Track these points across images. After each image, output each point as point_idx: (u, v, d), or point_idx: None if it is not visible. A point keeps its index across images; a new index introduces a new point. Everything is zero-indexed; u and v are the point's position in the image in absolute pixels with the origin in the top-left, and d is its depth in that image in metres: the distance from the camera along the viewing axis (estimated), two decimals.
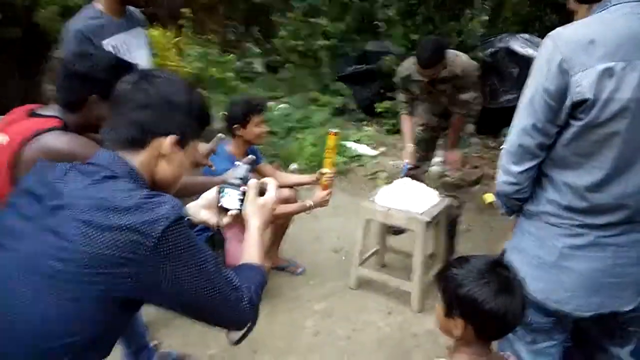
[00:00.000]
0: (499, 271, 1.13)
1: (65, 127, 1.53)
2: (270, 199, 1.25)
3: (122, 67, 1.61)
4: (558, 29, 1.23)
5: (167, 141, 1.05)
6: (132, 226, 0.88)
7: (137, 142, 1.04)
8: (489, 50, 5.35)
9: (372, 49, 6.51)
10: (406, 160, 3.03)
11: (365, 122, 6.16)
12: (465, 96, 3.01)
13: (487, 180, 4.44)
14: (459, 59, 2.95)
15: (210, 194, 1.29)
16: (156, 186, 1.08)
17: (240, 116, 2.62)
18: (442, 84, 2.99)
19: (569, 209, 1.29)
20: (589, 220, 1.28)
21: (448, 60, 2.88)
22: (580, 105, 1.17)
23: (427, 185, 2.98)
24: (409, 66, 3.07)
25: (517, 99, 4.89)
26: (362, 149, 5.10)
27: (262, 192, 1.26)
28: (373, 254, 3.14)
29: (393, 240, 3.32)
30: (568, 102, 1.18)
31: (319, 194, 2.54)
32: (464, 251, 3.35)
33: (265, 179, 1.29)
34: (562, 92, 1.18)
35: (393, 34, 5.50)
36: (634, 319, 1.36)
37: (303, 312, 2.75)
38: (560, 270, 1.32)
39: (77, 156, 1.41)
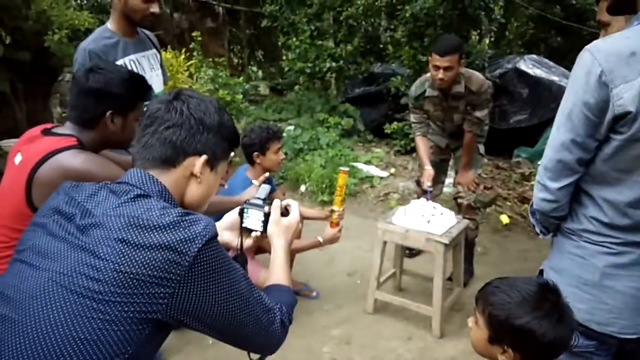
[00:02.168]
0: (550, 297, 1.07)
1: (81, 145, 1.49)
2: (294, 220, 1.26)
3: (136, 81, 1.58)
4: (596, 41, 1.19)
5: (200, 161, 1.03)
6: (168, 244, 0.86)
7: (169, 161, 1.02)
8: (498, 71, 5.35)
9: (379, 70, 6.55)
10: (428, 183, 2.95)
11: (374, 144, 6.15)
12: (479, 114, 2.99)
13: (501, 202, 4.37)
14: (474, 76, 2.97)
15: (232, 216, 1.29)
16: (184, 207, 1.05)
17: (259, 144, 2.60)
18: (456, 100, 2.99)
19: (611, 226, 1.23)
20: (632, 237, 1.22)
21: (464, 76, 2.92)
22: (622, 119, 1.13)
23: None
24: (421, 84, 3.08)
25: (527, 119, 4.88)
26: (372, 170, 5.04)
27: (284, 212, 1.26)
28: (390, 277, 3.06)
29: (408, 263, 3.24)
30: (609, 116, 1.14)
31: (329, 231, 2.50)
32: (482, 274, 3.27)
33: (288, 200, 1.29)
34: (603, 106, 1.14)
35: (401, 56, 5.52)
36: None
37: (319, 338, 2.66)
38: (603, 290, 1.26)
39: (94, 175, 1.38)
